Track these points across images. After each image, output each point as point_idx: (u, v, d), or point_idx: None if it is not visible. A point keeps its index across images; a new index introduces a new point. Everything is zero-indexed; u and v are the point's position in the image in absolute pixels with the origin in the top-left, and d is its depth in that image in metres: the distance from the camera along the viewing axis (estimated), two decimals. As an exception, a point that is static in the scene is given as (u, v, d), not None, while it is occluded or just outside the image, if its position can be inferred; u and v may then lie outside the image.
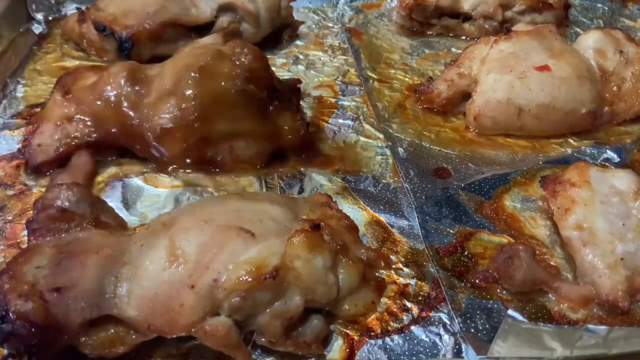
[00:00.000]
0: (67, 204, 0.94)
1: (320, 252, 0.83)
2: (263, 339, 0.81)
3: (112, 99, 1.14)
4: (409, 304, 0.91)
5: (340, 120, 1.30)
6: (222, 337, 0.77)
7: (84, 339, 0.78)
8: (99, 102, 1.14)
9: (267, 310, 0.79)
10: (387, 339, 0.85)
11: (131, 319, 0.78)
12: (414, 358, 0.83)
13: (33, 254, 0.83)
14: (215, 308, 0.78)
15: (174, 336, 0.78)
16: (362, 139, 1.25)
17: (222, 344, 0.77)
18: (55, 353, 0.78)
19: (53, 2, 1.69)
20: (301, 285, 0.81)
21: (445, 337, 0.86)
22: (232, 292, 0.78)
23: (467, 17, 1.62)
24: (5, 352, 0.79)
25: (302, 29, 1.64)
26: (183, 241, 0.81)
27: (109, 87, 1.15)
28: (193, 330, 0.77)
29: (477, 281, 0.93)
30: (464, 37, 1.63)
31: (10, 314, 0.76)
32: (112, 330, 0.79)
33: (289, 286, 0.80)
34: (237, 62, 1.17)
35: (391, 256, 0.98)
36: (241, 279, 0.78)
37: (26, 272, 0.80)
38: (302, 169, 1.16)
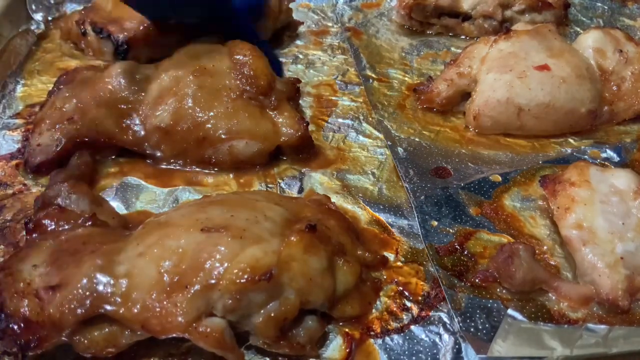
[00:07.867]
0: (66, 202, 0.95)
1: (316, 253, 0.83)
2: (258, 340, 0.80)
3: (111, 98, 1.15)
4: (408, 304, 0.90)
5: (340, 120, 1.30)
6: (215, 340, 0.76)
7: (78, 337, 0.77)
8: (98, 102, 1.14)
9: (262, 311, 0.79)
10: (387, 339, 0.85)
11: (125, 318, 0.77)
12: (413, 358, 0.83)
13: (30, 252, 0.83)
14: (209, 309, 0.78)
15: (168, 337, 0.77)
16: (361, 138, 1.25)
17: (215, 346, 0.77)
18: (49, 351, 0.77)
19: (52, 2, 1.68)
20: (296, 287, 0.80)
21: (445, 336, 0.86)
22: (226, 293, 0.77)
23: (466, 17, 1.61)
24: (0, 349, 0.79)
25: (302, 28, 1.64)
26: (178, 241, 0.81)
27: (108, 87, 1.15)
28: (187, 330, 0.77)
29: (477, 280, 0.93)
30: (463, 37, 1.63)
31: (5, 312, 0.76)
32: (107, 330, 0.78)
33: (284, 287, 0.80)
34: (237, 62, 1.17)
35: (391, 256, 0.98)
36: (235, 279, 0.77)
37: (22, 270, 0.80)
38: (301, 169, 1.16)
